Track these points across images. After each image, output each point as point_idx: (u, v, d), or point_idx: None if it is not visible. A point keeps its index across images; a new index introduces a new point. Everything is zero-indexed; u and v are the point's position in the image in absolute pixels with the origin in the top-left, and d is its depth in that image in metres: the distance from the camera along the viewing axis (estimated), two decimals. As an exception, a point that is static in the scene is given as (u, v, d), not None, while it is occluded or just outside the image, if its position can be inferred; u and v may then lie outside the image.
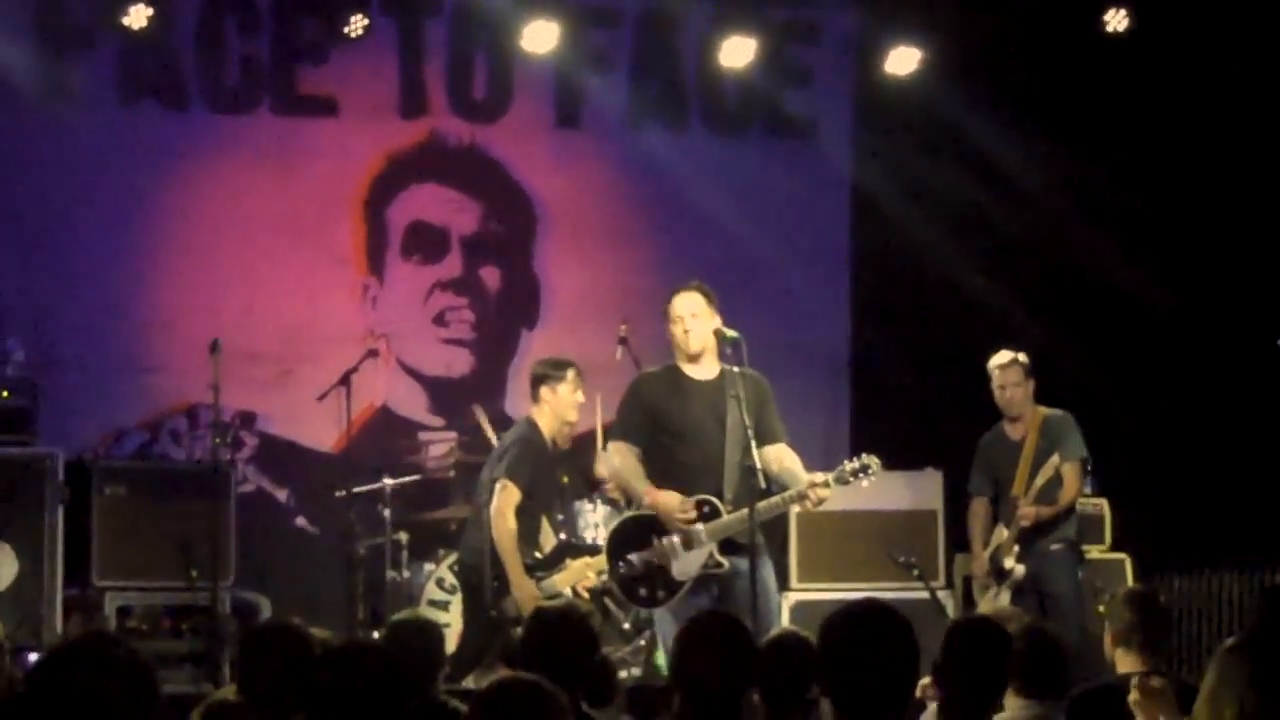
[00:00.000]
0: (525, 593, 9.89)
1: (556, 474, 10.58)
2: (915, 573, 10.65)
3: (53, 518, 10.76)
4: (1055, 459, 10.52)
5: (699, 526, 8.77)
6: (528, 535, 10.19)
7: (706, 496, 8.80)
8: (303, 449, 12.66)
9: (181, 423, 12.60)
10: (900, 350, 13.29)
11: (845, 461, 8.96)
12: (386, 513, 11.40)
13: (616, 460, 9.02)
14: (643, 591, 8.88)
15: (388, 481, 11.42)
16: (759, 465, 8.57)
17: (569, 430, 10.81)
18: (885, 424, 13.15)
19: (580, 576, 10.27)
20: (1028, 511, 10.47)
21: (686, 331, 8.93)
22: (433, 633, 7.03)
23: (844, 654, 5.13)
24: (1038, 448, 10.67)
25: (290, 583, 12.02)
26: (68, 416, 11.84)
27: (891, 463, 11.86)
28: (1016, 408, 10.82)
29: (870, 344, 13.51)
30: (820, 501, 8.79)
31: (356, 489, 11.53)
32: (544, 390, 10.49)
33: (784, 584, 11.57)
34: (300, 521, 12.74)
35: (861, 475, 8.90)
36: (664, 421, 8.92)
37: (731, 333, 8.88)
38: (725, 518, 8.75)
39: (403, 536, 11.45)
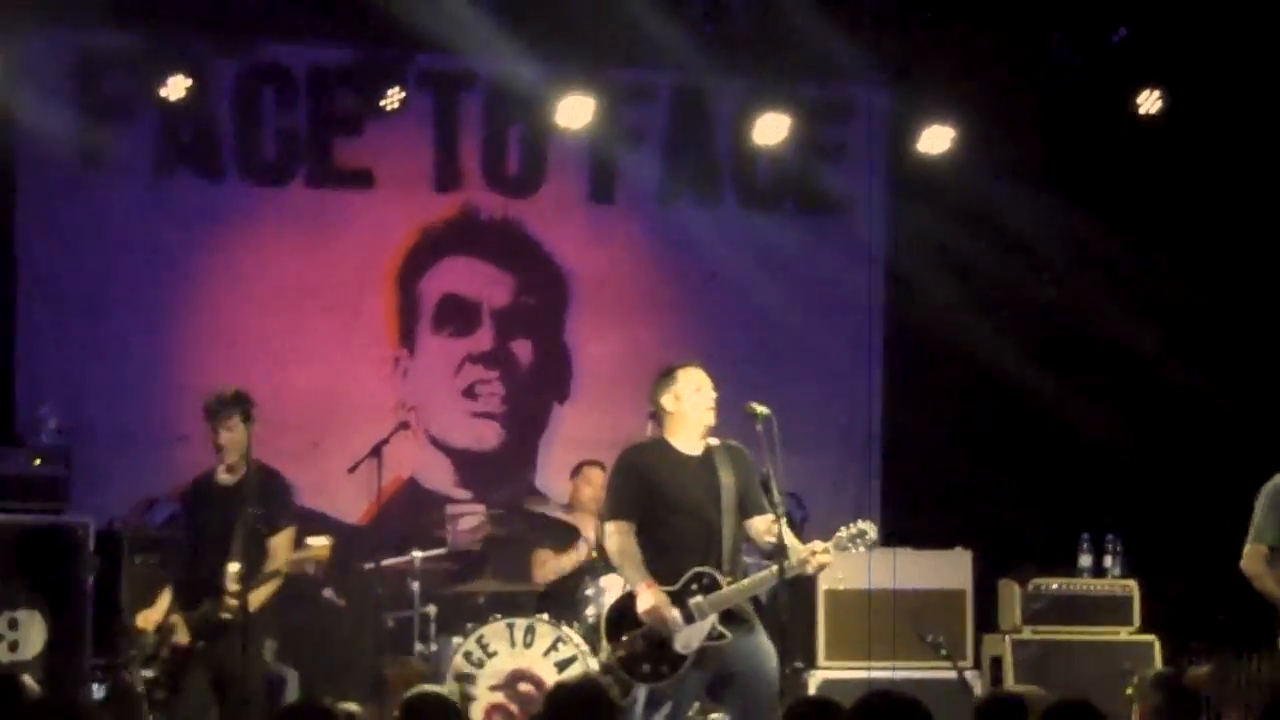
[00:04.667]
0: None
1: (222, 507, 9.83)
2: (943, 652, 10.60)
3: (83, 586, 10.80)
4: None
5: (699, 599, 8.76)
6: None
7: (704, 569, 8.79)
8: (332, 520, 12.64)
9: (212, 492, 12.59)
10: (932, 426, 13.26)
11: (841, 528, 8.91)
12: (415, 585, 11.39)
13: (616, 541, 8.93)
14: (646, 668, 8.82)
15: (417, 554, 11.41)
16: (788, 542, 8.62)
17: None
18: (916, 502, 13.13)
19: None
20: None
21: (711, 408, 8.98)
22: (446, 707, 6.98)
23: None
24: None
25: (318, 654, 11.99)
26: (99, 485, 11.87)
27: (921, 541, 11.94)
28: None
29: (902, 420, 13.50)
30: (822, 567, 8.83)
31: (385, 561, 11.53)
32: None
33: (811, 662, 11.56)
34: (328, 593, 12.71)
35: (858, 541, 8.87)
36: (659, 493, 8.90)
37: (763, 409, 8.86)
38: (725, 589, 8.76)
39: (431, 609, 11.44)
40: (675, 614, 8.70)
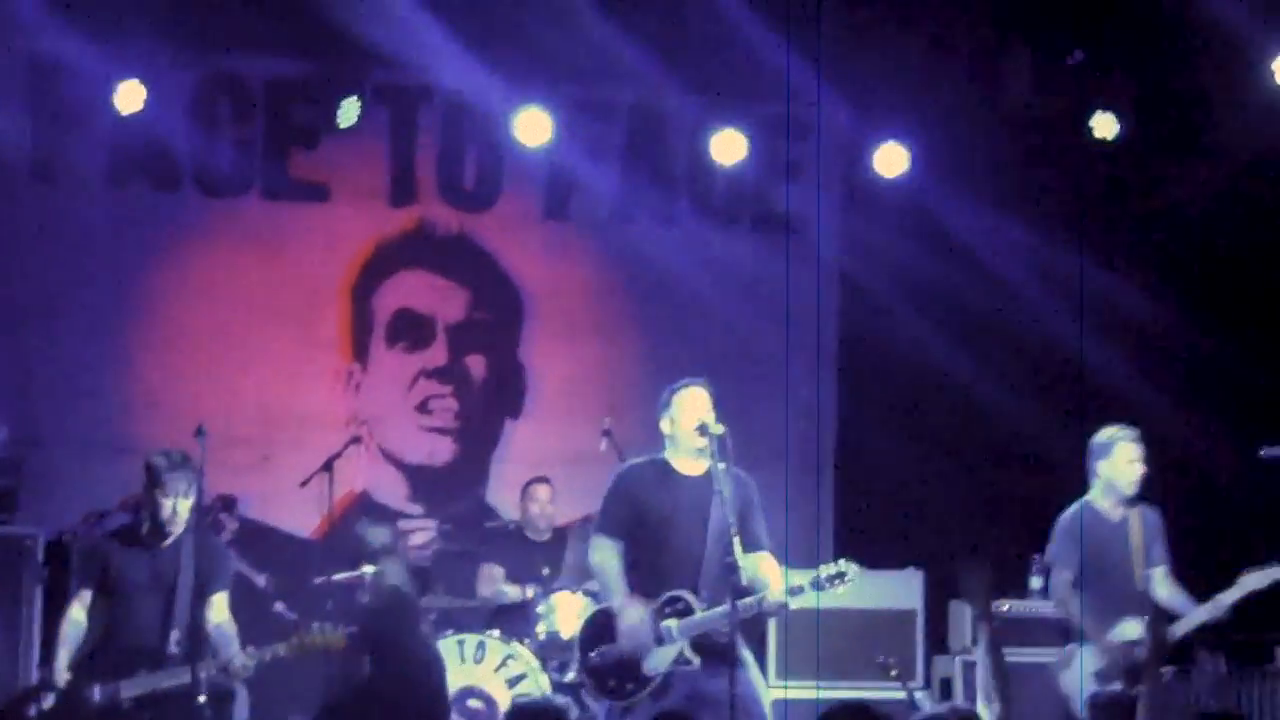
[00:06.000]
0: None
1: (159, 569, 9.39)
2: (893, 673, 10.59)
3: (31, 598, 10.74)
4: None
5: (671, 622, 8.71)
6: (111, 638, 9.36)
7: (679, 593, 8.71)
8: (283, 534, 12.62)
9: (163, 504, 12.53)
10: (885, 446, 13.27)
11: (822, 566, 8.78)
12: (366, 600, 11.34)
13: (598, 557, 8.85)
14: (611, 683, 8.76)
15: (367, 569, 11.37)
16: (741, 564, 8.50)
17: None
18: (869, 520, 13.14)
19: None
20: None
21: (696, 433, 8.81)
22: None
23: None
24: (1144, 535, 10.08)
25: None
26: (49, 496, 11.82)
27: (873, 561, 11.93)
28: (1137, 488, 10.16)
29: (855, 439, 13.50)
30: (780, 607, 8.71)
31: (336, 576, 11.49)
32: None
33: (762, 681, 11.55)
34: (279, 607, 12.64)
35: (837, 582, 8.71)
36: (646, 513, 8.79)
37: (717, 428, 8.80)
38: (698, 615, 8.67)
39: (381, 624, 11.40)
40: (648, 634, 8.63)
